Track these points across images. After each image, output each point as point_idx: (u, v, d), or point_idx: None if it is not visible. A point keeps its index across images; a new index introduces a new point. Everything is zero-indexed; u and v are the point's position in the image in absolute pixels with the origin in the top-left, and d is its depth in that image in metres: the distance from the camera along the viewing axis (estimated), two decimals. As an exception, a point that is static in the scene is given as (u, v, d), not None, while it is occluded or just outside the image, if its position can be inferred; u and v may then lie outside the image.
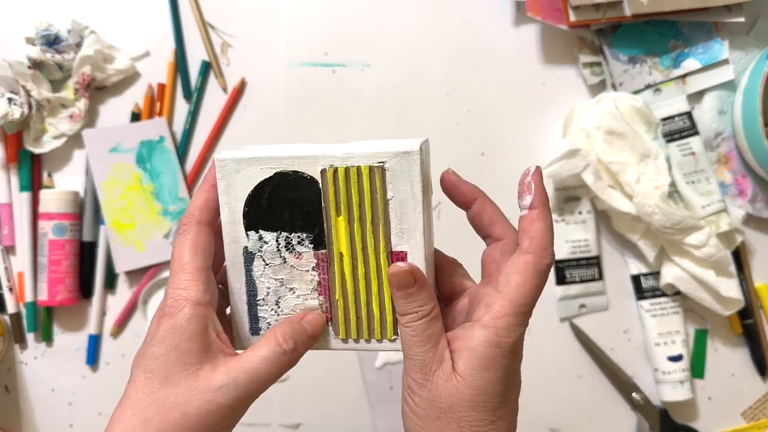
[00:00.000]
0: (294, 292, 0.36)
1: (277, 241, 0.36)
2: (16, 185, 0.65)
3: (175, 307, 0.33)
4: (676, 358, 0.63)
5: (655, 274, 0.64)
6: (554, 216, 0.65)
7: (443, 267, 0.39)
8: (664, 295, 0.64)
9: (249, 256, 0.36)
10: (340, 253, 0.36)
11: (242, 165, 0.35)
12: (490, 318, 0.33)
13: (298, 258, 0.36)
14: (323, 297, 0.36)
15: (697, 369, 0.65)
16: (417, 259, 0.35)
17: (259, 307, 0.37)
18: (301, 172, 0.35)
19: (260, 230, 0.36)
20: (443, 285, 0.38)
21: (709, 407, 0.65)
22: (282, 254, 0.36)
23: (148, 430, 0.32)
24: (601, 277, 0.65)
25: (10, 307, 0.65)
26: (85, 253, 0.65)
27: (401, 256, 0.35)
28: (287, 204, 0.35)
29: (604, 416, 0.65)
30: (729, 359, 0.66)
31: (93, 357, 0.65)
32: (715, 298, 0.62)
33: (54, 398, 0.65)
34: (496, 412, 0.33)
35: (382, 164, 0.34)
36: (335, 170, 0.34)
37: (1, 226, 0.65)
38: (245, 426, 0.65)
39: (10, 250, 0.66)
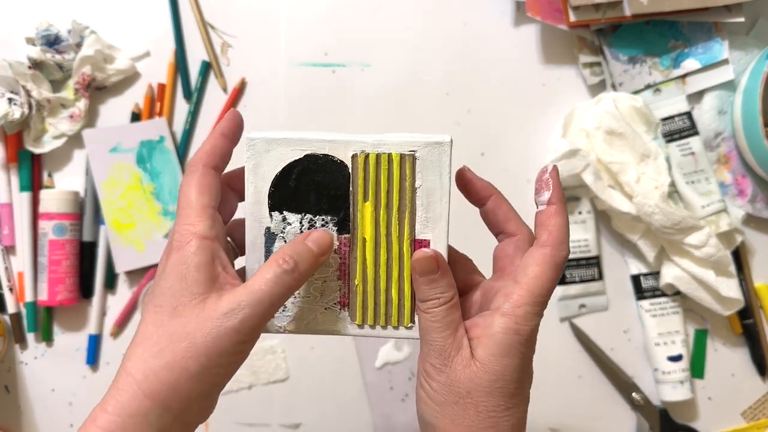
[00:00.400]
0: (313, 275, 0.36)
1: (300, 222, 0.36)
2: (16, 185, 0.65)
3: (182, 241, 0.34)
4: (675, 358, 0.63)
5: (655, 274, 0.64)
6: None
7: (456, 262, 0.39)
8: (664, 295, 0.64)
9: (271, 237, 0.36)
10: (364, 239, 0.36)
11: (272, 145, 0.35)
12: (509, 307, 0.34)
13: None
14: (342, 281, 0.37)
15: (696, 369, 0.65)
16: (440, 248, 0.36)
17: None
18: (332, 156, 0.35)
19: (285, 211, 0.36)
20: (456, 279, 0.40)
21: (709, 407, 0.65)
22: None
23: (161, 361, 0.32)
24: (601, 277, 0.66)
25: (11, 307, 0.65)
26: (86, 253, 0.65)
27: (424, 245, 0.36)
28: (315, 186, 0.36)
29: (604, 416, 0.65)
30: (729, 359, 0.66)
31: (93, 357, 0.65)
32: (715, 298, 0.62)
33: (54, 398, 0.65)
34: (512, 399, 0.34)
35: (413, 153, 0.35)
36: (366, 156, 0.35)
37: (2, 226, 0.65)
38: (245, 426, 0.65)
39: (10, 250, 0.66)
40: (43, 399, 0.65)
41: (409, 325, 0.37)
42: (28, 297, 0.64)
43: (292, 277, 0.33)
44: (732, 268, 0.62)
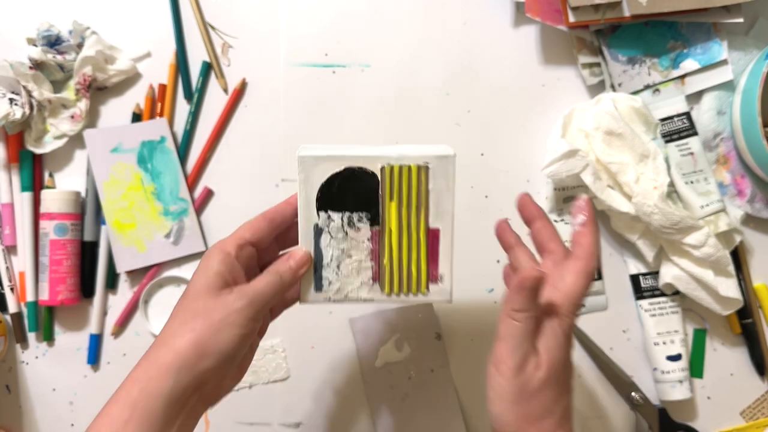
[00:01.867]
0: (351, 257, 0.47)
1: (341, 219, 0.47)
2: (17, 185, 0.65)
3: (211, 253, 0.44)
4: (675, 358, 0.63)
5: (654, 274, 0.65)
6: (553, 216, 0.65)
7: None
8: (663, 294, 0.64)
9: (318, 231, 0.47)
10: (390, 229, 0.47)
11: (319, 161, 0.46)
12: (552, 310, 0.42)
13: (357, 232, 0.47)
14: (374, 262, 0.47)
15: (696, 368, 0.66)
16: (447, 233, 0.47)
17: (323, 270, 0.47)
18: (365, 168, 0.46)
19: (329, 211, 0.46)
20: None
21: (708, 407, 0.66)
22: (345, 229, 0.47)
23: (184, 327, 0.41)
24: (600, 276, 0.66)
25: (12, 307, 0.65)
26: (87, 252, 0.65)
27: (436, 232, 0.47)
28: (352, 191, 0.46)
29: (603, 416, 0.65)
30: (728, 359, 0.66)
31: (94, 357, 0.65)
32: (714, 298, 0.62)
33: (55, 398, 0.66)
34: (561, 388, 0.42)
35: (426, 164, 0.46)
36: (391, 168, 0.46)
37: (3, 226, 0.66)
38: (246, 425, 0.65)
39: (11, 249, 0.66)
40: (44, 398, 0.66)
41: (425, 292, 0.47)
42: (29, 297, 0.65)
43: (280, 283, 0.44)
44: (731, 268, 0.62)
